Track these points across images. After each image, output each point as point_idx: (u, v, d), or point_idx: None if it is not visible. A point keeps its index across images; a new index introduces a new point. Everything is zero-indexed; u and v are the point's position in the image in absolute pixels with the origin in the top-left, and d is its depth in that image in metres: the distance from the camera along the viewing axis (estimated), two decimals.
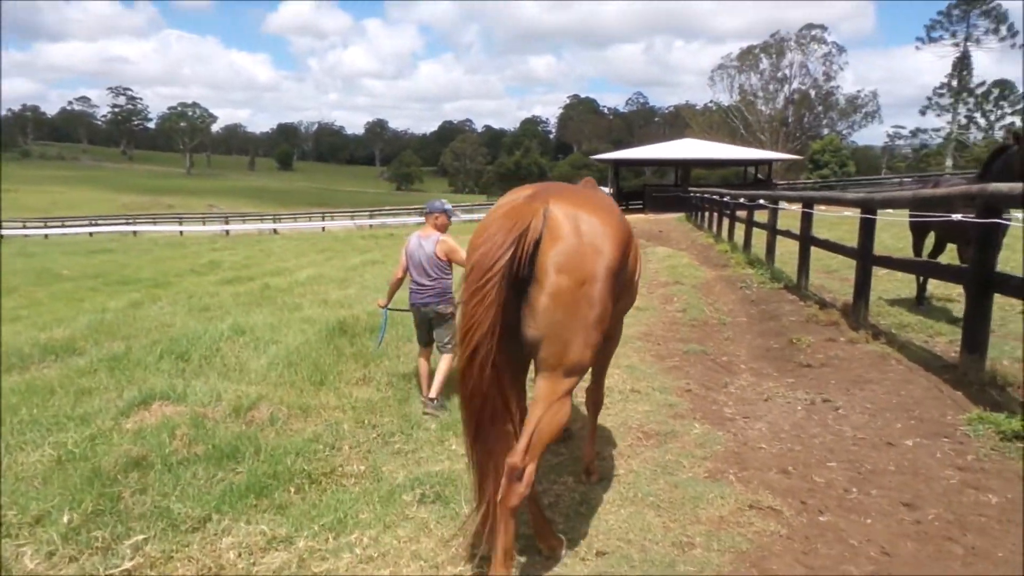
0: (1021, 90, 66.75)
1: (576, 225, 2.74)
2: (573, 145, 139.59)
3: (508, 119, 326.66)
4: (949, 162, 65.92)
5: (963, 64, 67.84)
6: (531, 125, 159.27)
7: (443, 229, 5.37)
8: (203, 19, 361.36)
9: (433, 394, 5.17)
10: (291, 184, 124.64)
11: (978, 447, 4.25)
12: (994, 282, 5.17)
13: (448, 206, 5.50)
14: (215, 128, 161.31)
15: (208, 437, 4.38)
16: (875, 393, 5.30)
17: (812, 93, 78.95)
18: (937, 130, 72.05)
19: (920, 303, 8.33)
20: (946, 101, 68.91)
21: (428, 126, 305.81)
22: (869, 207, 7.72)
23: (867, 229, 7.69)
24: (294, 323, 7.82)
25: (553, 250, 2.67)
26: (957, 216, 5.89)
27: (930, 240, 8.59)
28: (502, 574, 2.68)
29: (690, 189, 30.17)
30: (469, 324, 2.62)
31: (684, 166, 36.30)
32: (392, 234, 29.08)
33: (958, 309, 8.08)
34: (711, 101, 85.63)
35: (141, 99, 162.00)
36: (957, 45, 67.88)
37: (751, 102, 79.62)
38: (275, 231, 39.41)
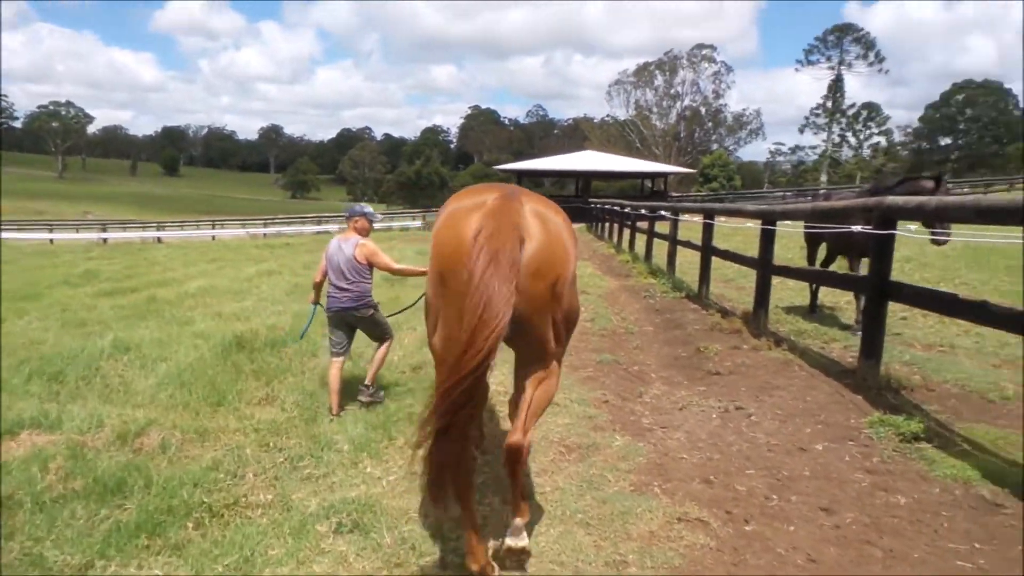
0: (885, 112, 72.72)
1: (546, 226, 2.93)
2: (474, 155, 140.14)
3: (408, 128, 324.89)
4: (824, 177, 70.83)
5: (837, 87, 73.16)
6: (432, 134, 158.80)
7: (364, 233, 5.40)
8: (80, 15, 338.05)
9: (369, 380, 5.33)
10: (177, 191, 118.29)
11: (882, 449, 4.41)
12: (890, 291, 5.43)
13: (369, 210, 5.53)
14: (92, 129, 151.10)
15: (88, 470, 3.92)
16: (783, 399, 5.44)
17: (702, 110, 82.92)
18: (814, 147, 77.30)
19: (813, 311, 8.74)
20: (822, 121, 74.05)
21: (326, 133, 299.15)
22: (769, 219, 8.03)
23: (767, 240, 7.99)
24: (185, 338, 7.27)
25: (531, 252, 2.81)
26: (858, 228, 6.17)
27: (822, 251, 9.04)
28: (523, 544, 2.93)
29: (590, 200, 30.79)
30: (485, 316, 2.55)
31: (585, 177, 37.07)
32: (288, 243, 28.02)
33: (847, 316, 8.54)
34: (608, 115, 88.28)
35: (6, 96, 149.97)
36: (832, 69, 73.15)
37: (646, 117, 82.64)
38: (159, 240, 37.12)
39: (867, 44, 72.69)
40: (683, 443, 4.68)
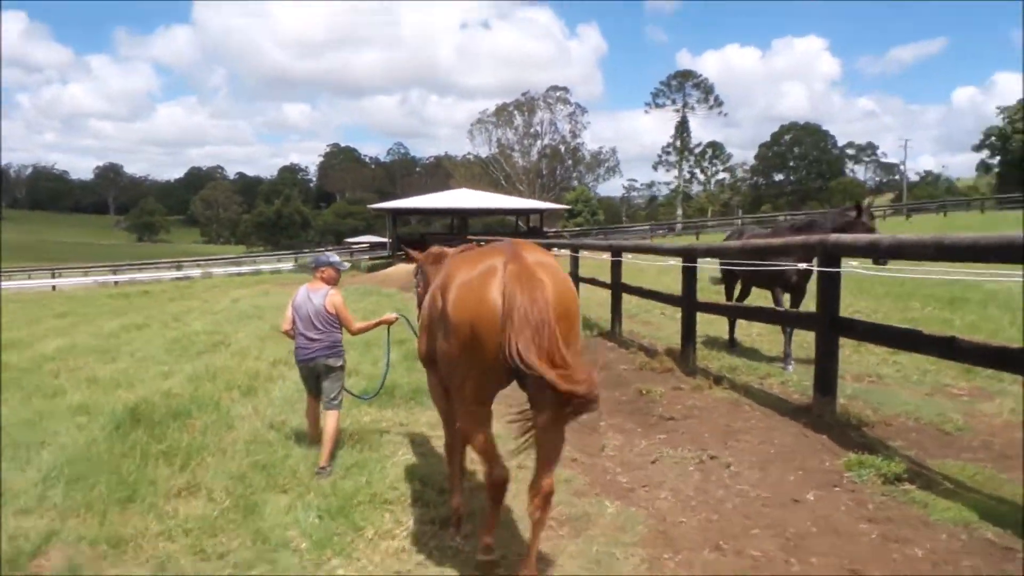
0: (728, 150, 78.74)
1: (555, 275, 3.22)
2: (336, 194, 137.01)
3: (262, 166, 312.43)
4: (680, 211, 75.33)
5: (683, 127, 78.44)
6: (290, 173, 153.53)
7: (332, 282, 5.35)
8: None
9: (324, 462, 4.95)
10: None
11: (871, 494, 4.33)
12: (842, 326, 5.47)
13: (336, 259, 5.47)
14: None
15: None
16: (751, 444, 5.30)
17: (562, 148, 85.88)
18: (667, 183, 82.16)
19: (732, 345, 8.86)
20: (673, 159, 78.94)
21: (171, 172, 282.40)
22: (691, 256, 8.06)
23: (689, 277, 8.01)
24: (62, 415, 6.16)
25: (553, 298, 3.05)
26: (803, 265, 6.25)
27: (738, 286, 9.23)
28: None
29: (469, 237, 30.64)
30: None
31: (462, 215, 36.93)
32: (147, 291, 25.64)
33: (766, 348, 8.72)
34: (469, 153, 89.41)
35: None
36: (677, 111, 78.40)
37: (508, 155, 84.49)
38: None
39: (706, 89, 78.81)
40: (674, 503, 4.38)
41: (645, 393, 6.91)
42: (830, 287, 5.52)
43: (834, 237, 5.50)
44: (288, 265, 35.86)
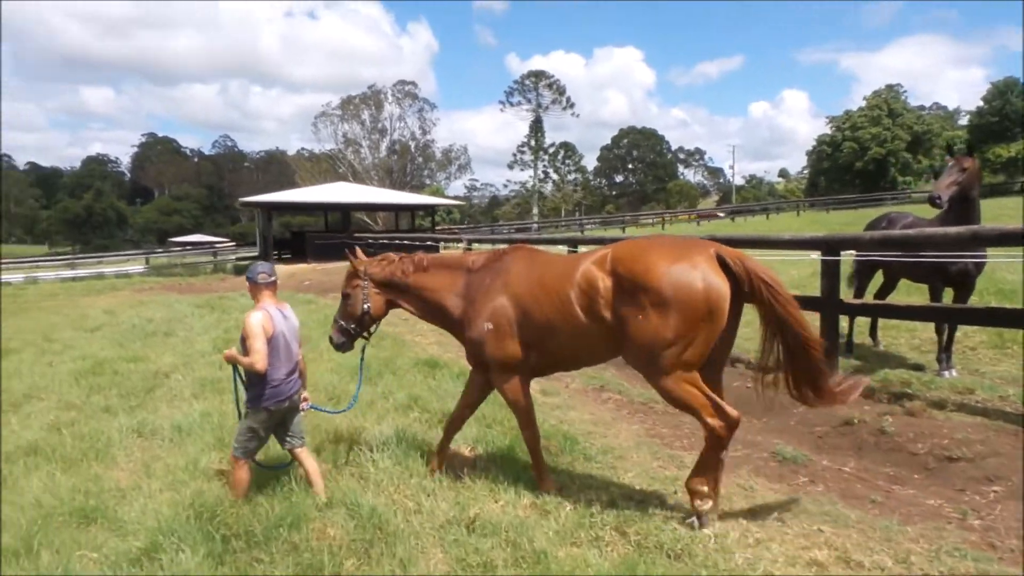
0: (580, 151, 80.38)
1: None
2: (155, 189, 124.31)
3: (57, 156, 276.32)
4: (535, 210, 75.69)
5: (538, 126, 78.93)
6: (97, 165, 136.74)
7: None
8: None
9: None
10: None
11: None
12: None
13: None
14: None
15: None
16: None
17: (412, 144, 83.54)
18: (523, 183, 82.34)
19: (850, 350, 7.65)
20: (528, 158, 79.23)
21: None
22: (832, 248, 6.74)
23: (831, 273, 6.70)
24: None
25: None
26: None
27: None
28: None
29: (357, 235, 27.81)
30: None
31: (345, 211, 33.58)
32: None
33: (896, 349, 7.58)
34: (303, 148, 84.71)
35: None
36: (533, 111, 78.77)
37: (357, 150, 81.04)
38: None
39: (559, 89, 79.89)
40: None
41: (858, 422, 5.43)
42: None
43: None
44: (138, 268, 30.53)
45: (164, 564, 3.16)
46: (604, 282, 3.67)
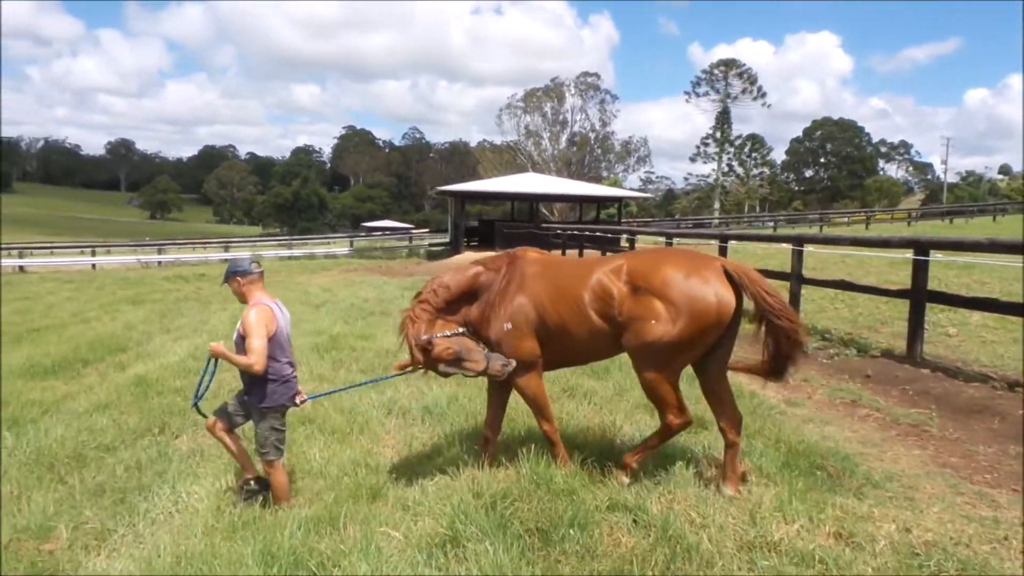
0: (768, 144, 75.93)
1: None
2: (350, 177, 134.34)
3: (271, 147, 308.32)
4: (717, 204, 72.68)
5: (725, 118, 75.58)
6: (304, 155, 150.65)
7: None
8: None
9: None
10: (13, 209, 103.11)
11: None
12: None
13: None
14: None
15: None
16: None
17: (591, 136, 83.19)
18: (705, 176, 79.33)
19: None
20: (712, 150, 76.17)
21: (181, 150, 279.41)
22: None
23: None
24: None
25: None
26: None
27: None
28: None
29: (543, 225, 28.11)
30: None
31: (532, 201, 34.19)
32: (203, 274, 23.17)
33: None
34: (484, 139, 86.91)
35: None
36: (720, 102, 75.52)
37: (538, 141, 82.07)
38: (22, 268, 30.16)
39: (750, 79, 75.90)
40: None
41: None
42: None
43: None
44: (343, 249, 33.17)
45: (468, 554, 3.16)
46: (620, 290, 3.98)
